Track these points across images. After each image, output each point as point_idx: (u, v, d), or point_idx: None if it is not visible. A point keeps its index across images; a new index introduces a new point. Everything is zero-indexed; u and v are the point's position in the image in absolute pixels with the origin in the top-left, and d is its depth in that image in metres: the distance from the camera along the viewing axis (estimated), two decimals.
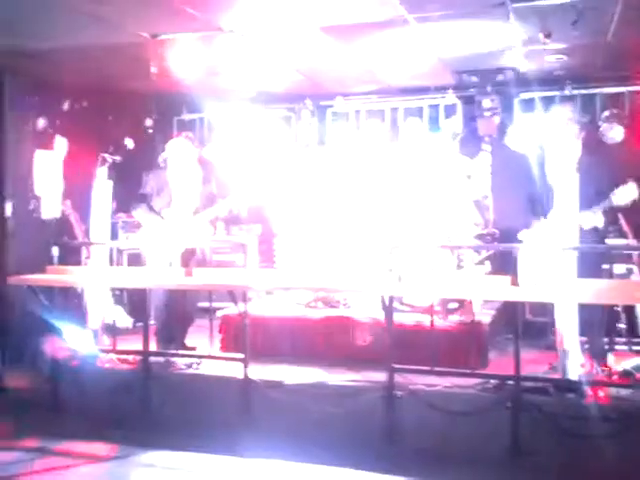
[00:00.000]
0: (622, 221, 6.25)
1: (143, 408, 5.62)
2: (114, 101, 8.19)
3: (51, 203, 7.43)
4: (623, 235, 6.50)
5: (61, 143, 7.70)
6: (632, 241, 6.43)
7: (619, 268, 6.22)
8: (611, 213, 5.71)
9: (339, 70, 7.65)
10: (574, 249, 5.21)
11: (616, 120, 7.71)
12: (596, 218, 5.56)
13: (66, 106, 8.02)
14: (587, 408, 4.79)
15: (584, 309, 5.14)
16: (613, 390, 4.97)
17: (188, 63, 7.37)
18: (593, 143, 6.37)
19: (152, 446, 5.30)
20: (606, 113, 7.78)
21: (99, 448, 5.39)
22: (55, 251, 6.30)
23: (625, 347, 6.11)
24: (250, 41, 6.61)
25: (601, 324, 5.60)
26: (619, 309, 6.18)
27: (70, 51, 6.77)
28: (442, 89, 8.47)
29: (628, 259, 6.43)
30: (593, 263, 5.47)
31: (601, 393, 4.90)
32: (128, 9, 5.80)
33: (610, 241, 6.11)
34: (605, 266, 5.88)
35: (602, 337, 5.63)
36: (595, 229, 5.62)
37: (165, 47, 6.75)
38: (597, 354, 5.45)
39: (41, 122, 7.67)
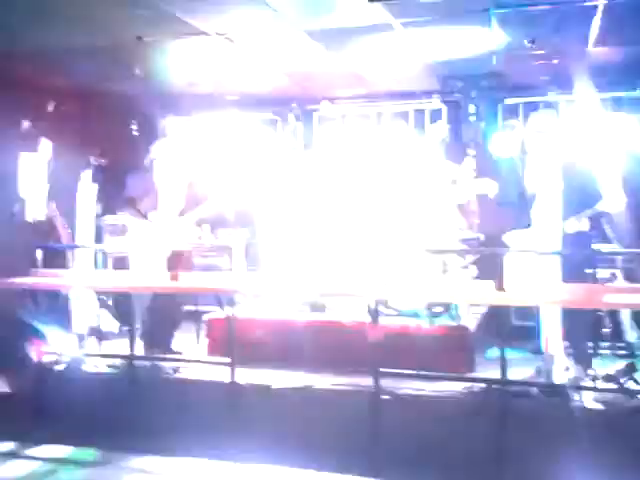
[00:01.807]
0: (606, 226, 6.31)
1: (129, 413, 5.58)
2: (99, 104, 8.16)
3: (36, 206, 7.39)
4: (607, 240, 6.56)
5: (46, 145, 7.66)
6: (616, 246, 6.49)
7: (603, 273, 6.28)
8: (595, 218, 5.78)
9: (326, 74, 7.68)
10: (558, 254, 5.26)
11: None
12: (580, 224, 5.62)
13: (51, 108, 7.98)
14: (572, 412, 4.84)
15: (568, 313, 5.18)
16: (597, 395, 5.01)
17: (173, 66, 7.36)
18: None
19: (138, 451, 5.27)
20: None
21: (84, 453, 5.37)
22: (40, 254, 6.27)
23: (609, 352, 6.17)
24: (237, 45, 6.62)
25: (585, 328, 5.64)
26: (603, 314, 6.23)
27: (56, 53, 6.74)
28: (427, 94, 8.52)
29: (612, 264, 6.49)
30: (577, 268, 5.52)
31: (585, 397, 4.96)
32: (114, 11, 5.79)
33: (594, 246, 6.16)
34: (589, 271, 5.93)
35: (587, 341, 5.67)
36: (579, 233, 5.67)
37: (150, 50, 6.74)
38: (581, 359, 5.49)
39: (25, 124, 7.62)
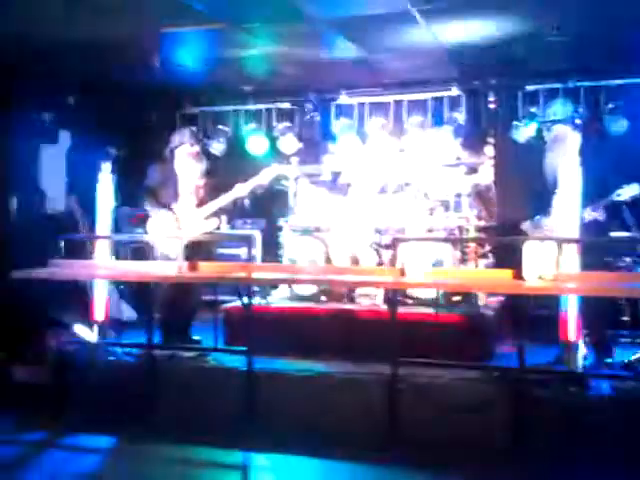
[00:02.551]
0: (626, 214, 6.25)
1: (148, 401, 5.63)
2: (118, 95, 8.20)
3: (56, 197, 7.46)
4: (626, 228, 6.49)
5: (65, 137, 7.73)
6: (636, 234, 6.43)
7: (623, 261, 6.22)
8: (613, 207, 5.72)
9: (343, 63, 7.64)
10: (577, 241, 5.21)
11: (620, 113, 7.68)
12: (597, 213, 5.56)
13: (70, 100, 8.04)
14: (590, 400, 4.82)
15: (586, 300, 5.15)
16: (616, 383, 4.98)
17: (191, 57, 7.38)
18: (596, 136, 6.35)
19: (157, 439, 5.32)
20: (610, 106, 7.74)
21: (104, 441, 5.43)
22: (60, 245, 6.32)
23: (628, 339, 6.12)
24: (252, 35, 6.62)
25: (604, 316, 5.59)
26: (622, 302, 6.18)
27: (74, 45, 6.78)
28: (446, 82, 8.45)
29: (632, 252, 6.43)
30: (596, 256, 5.47)
31: (604, 386, 4.93)
32: (133, 3, 5.81)
33: (614, 234, 6.09)
34: (607, 259, 5.88)
35: (605, 329, 5.63)
36: (596, 221, 5.60)
37: (168, 41, 6.76)
38: (600, 346, 5.45)
39: (45, 116, 7.68)
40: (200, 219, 6.51)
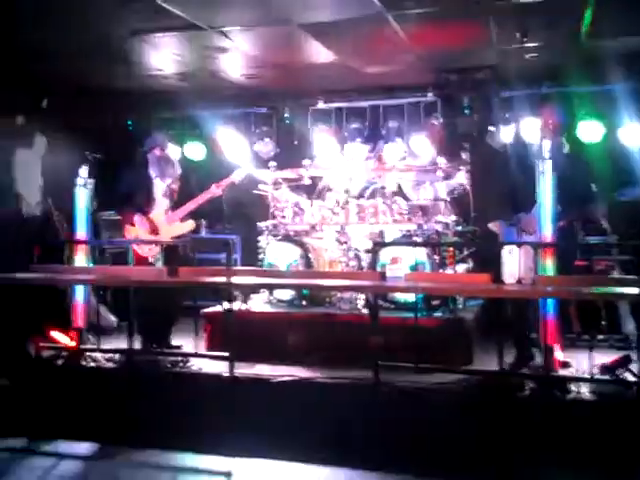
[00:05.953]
0: (602, 219, 6.35)
1: (128, 407, 5.59)
2: (94, 98, 8.14)
3: (32, 202, 7.37)
4: (602, 232, 6.59)
5: (41, 141, 7.65)
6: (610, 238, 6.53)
7: (599, 264, 6.32)
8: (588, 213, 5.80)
9: (319, 68, 7.66)
10: (553, 245, 5.27)
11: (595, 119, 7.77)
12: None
13: (45, 104, 7.97)
14: (568, 403, 4.89)
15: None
16: (594, 386, 5.05)
17: (167, 60, 7.35)
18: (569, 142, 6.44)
19: (138, 445, 5.29)
20: (583, 112, 7.83)
21: (84, 447, 5.38)
22: (37, 250, 6.27)
23: (606, 344, 6.20)
24: (230, 38, 6.62)
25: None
26: (599, 305, 6.26)
27: (50, 48, 6.73)
28: (422, 88, 8.51)
29: (609, 255, 6.52)
30: (569, 259, 5.54)
31: (582, 389, 5.00)
32: (109, 6, 5.79)
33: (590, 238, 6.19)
34: (580, 263, 5.96)
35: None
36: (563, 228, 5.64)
37: (145, 44, 6.73)
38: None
39: (20, 120, 7.60)
40: (175, 221, 6.50)
